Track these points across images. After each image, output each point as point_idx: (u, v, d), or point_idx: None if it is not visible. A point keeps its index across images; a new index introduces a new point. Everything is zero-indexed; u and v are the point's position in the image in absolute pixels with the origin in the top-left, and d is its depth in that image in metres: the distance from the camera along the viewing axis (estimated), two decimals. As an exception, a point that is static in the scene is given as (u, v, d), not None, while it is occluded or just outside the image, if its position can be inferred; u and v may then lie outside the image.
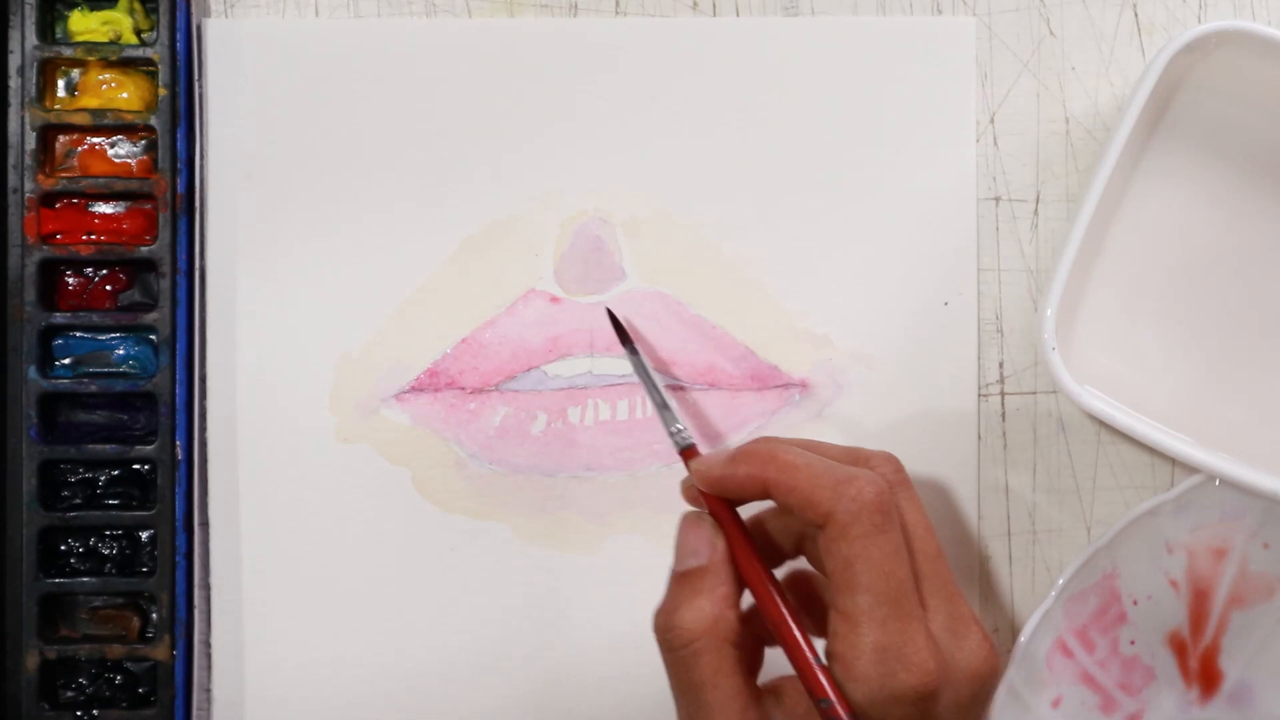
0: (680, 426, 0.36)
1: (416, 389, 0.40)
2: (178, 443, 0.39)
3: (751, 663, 0.35)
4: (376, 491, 0.40)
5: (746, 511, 0.34)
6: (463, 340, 0.40)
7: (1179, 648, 0.40)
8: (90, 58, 0.39)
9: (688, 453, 0.35)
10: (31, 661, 0.38)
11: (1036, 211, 0.40)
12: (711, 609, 0.32)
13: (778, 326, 0.40)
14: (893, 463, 0.34)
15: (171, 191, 0.39)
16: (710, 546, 0.33)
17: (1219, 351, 0.39)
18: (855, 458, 0.34)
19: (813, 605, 0.35)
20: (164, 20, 0.39)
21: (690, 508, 0.35)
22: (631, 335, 0.39)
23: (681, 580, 0.33)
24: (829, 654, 0.31)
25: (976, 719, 0.32)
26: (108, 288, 0.40)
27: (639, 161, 0.40)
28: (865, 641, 0.30)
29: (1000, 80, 0.40)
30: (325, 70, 0.40)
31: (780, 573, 0.35)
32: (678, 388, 0.40)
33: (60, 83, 0.40)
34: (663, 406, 0.36)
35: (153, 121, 0.39)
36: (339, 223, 0.40)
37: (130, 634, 0.39)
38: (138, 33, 0.40)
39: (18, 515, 0.39)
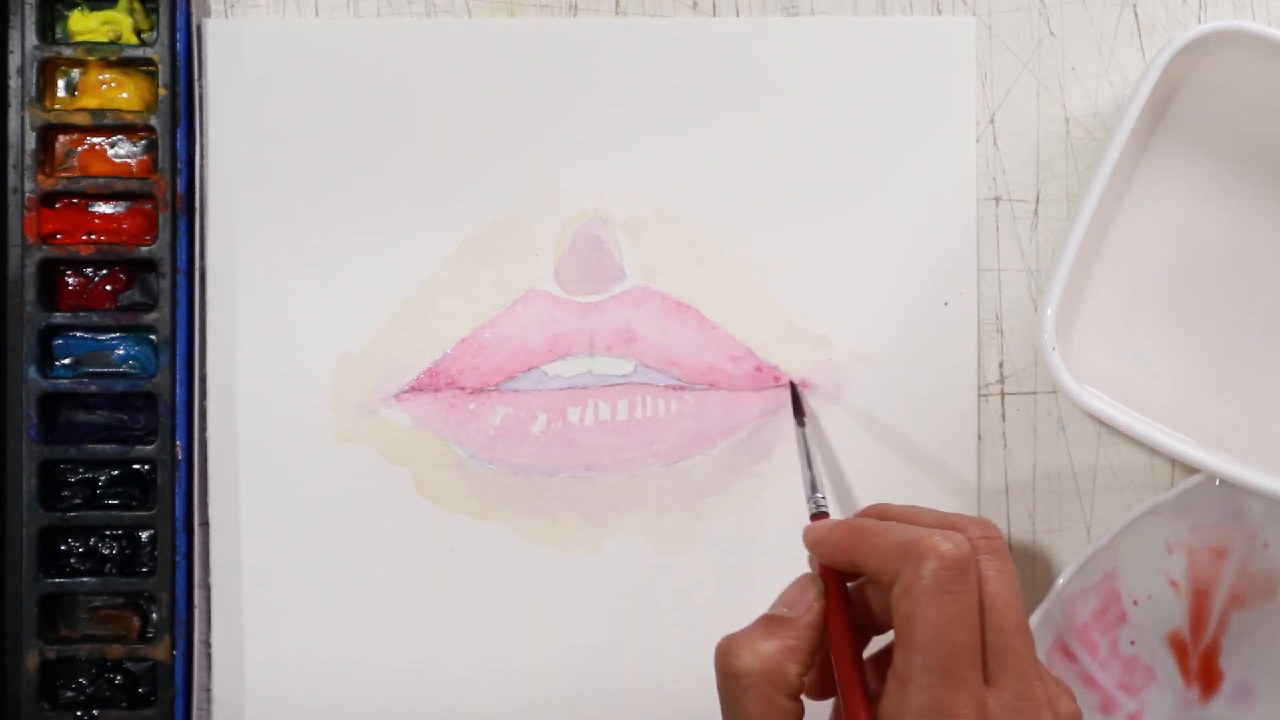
0: (821, 495, 0.36)
1: (416, 389, 0.40)
2: (178, 443, 0.39)
3: None
4: (376, 491, 0.40)
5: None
6: (463, 340, 0.40)
7: (1179, 648, 0.40)
8: (90, 58, 0.39)
9: (815, 518, 0.36)
10: (31, 661, 0.38)
11: (1036, 211, 0.40)
12: (772, 655, 0.32)
13: (778, 326, 0.40)
14: (987, 528, 0.33)
15: (171, 191, 0.39)
16: (805, 606, 0.33)
17: (1219, 351, 0.39)
18: (948, 522, 0.33)
19: None
20: (164, 20, 0.39)
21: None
22: (636, 339, 0.39)
23: (765, 620, 0.33)
24: (879, 713, 0.31)
25: None
26: (108, 288, 0.40)
27: (639, 161, 0.40)
28: (910, 703, 0.30)
29: (1000, 80, 0.40)
30: (325, 70, 0.40)
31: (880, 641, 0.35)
32: (678, 388, 0.40)
33: (60, 83, 0.40)
34: (810, 479, 0.37)
35: (153, 121, 0.39)
36: (339, 223, 0.40)
37: (130, 634, 0.39)
38: (138, 33, 0.40)
39: (18, 515, 0.39)
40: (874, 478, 0.40)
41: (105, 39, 0.39)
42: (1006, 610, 0.31)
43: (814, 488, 0.37)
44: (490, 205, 0.40)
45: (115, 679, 0.39)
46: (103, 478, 0.39)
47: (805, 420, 0.39)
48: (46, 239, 0.39)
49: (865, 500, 0.40)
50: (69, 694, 0.39)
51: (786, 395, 0.40)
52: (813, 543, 0.34)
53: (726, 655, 0.32)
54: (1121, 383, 0.39)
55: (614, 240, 0.40)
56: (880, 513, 0.35)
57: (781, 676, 0.32)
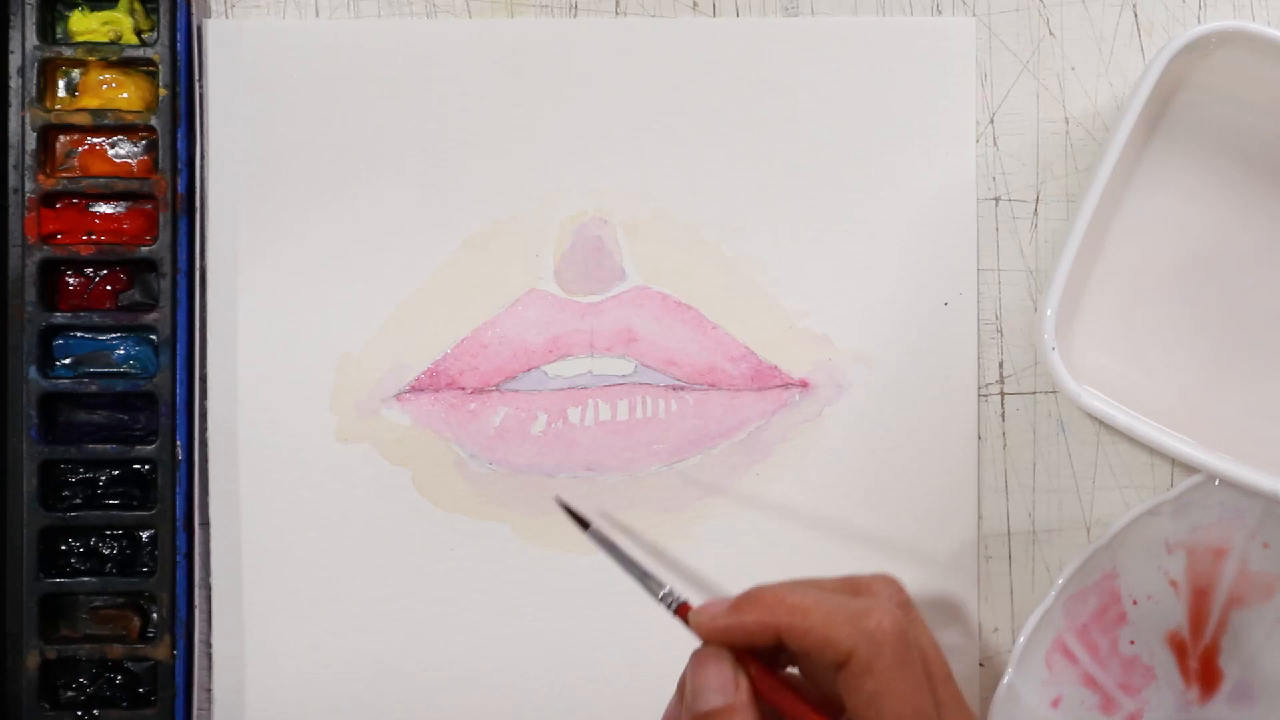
0: (667, 589, 0.34)
1: (417, 389, 0.40)
2: (178, 443, 0.39)
3: None
4: (376, 491, 0.40)
5: None
6: (463, 340, 0.40)
7: (1179, 647, 0.40)
8: (90, 58, 0.39)
9: (682, 610, 0.34)
10: (32, 661, 0.38)
11: (1036, 211, 0.40)
12: None
13: (778, 326, 0.40)
14: (893, 585, 0.33)
15: (171, 191, 0.39)
16: (734, 683, 0.32)
17: (1219, 351, 0.39)
18: (854, 586, 0.33)
19: None
20: (164, 20, 0.39)
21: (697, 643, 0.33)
22: (636, 339, 0.39)
23: (704, 717, 0.32)
24: None
25: None
26: (108, 288, 0.40)
27: (639, 161, 0.40)
28: None
29: (1000, 80, 0.40)
30: (325, 70, 0.40)
31: None
32: (678, 388, 0.40)
33: (61, 83, 0.40)
34: (643, 576, 0.35)
35: (153, 121, 0.39)
36: (339, 223, 0.40)
37: (130, 634, 0.39)
38: (138, 33, 0.40)
39: (18, 515, 0.39)
40: (874, 477, 0.40)
41: (105, 39, 0.39)
42: (939, 660, 0.32)
43: (658, 583, 0.34)
44: (490, 205, 0.40)
45: (115, 679, 0.39)
46: (103, 478, 0.40)
47: (591, 526, 0.37)
48: (47, 239, 0.39)
49: (866, 499, 0.40)
50: (69, 694, 0.39)
51: (787, 395, 0.40)
52: (718, 631, 0.32)
53: None
54: (1121, 383, 0.39)
55: (614, 240, 0.40)
56: (762, 594, 0.33)
57: None
